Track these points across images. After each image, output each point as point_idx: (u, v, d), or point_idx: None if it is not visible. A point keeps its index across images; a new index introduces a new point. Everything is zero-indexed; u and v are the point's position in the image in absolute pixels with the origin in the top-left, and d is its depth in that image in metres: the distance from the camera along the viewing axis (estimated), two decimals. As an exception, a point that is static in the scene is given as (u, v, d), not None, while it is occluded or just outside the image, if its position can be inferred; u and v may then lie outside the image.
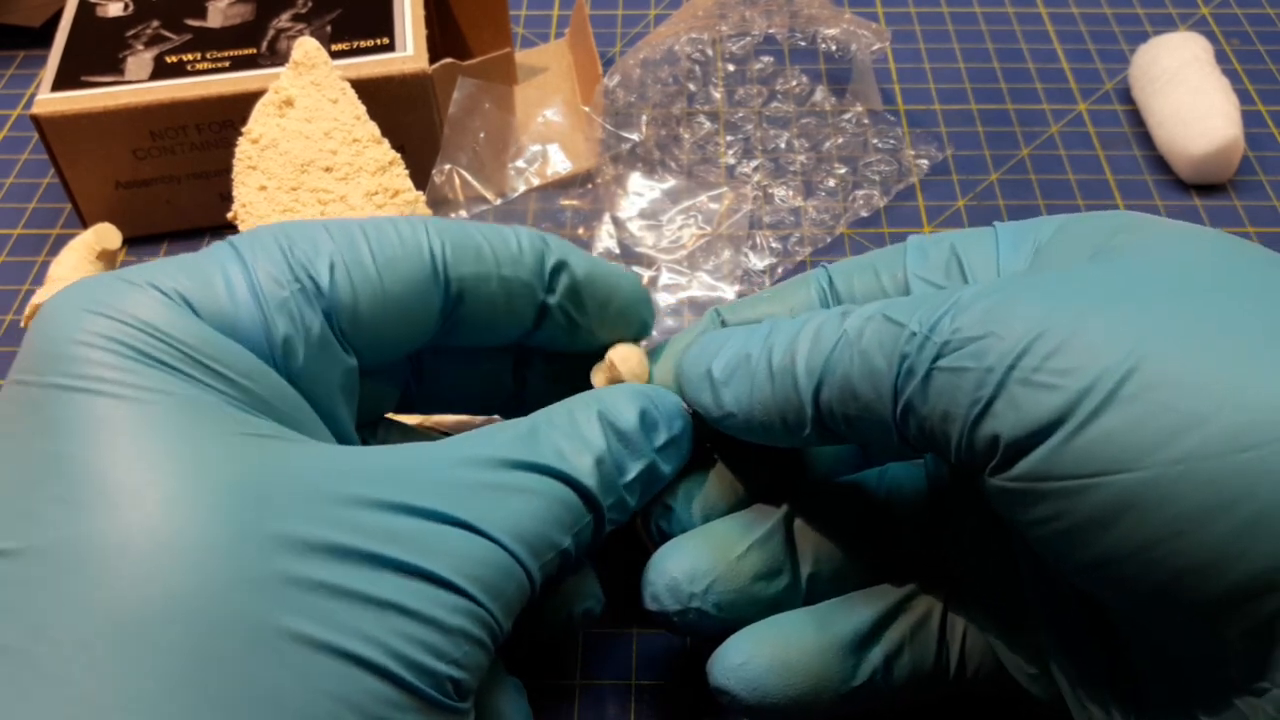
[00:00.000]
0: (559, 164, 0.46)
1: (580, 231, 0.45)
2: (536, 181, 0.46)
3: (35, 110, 0.42)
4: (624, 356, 0.30)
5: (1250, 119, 0.49)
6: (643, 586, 0.28)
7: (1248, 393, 0.19)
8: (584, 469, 0.25)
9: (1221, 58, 0.52)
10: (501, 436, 0.25)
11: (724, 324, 0.30)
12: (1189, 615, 0.20)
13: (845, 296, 0.29)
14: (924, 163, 0.48)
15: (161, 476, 0.20)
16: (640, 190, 0.45)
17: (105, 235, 0.43)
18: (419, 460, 0.23)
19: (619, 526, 0.28)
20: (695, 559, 0.27)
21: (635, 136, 0.47)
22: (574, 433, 0.26)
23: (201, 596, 0.19)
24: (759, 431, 0.27)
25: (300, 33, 0.45)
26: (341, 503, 0.21)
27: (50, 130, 0.42)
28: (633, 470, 0.26)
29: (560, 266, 0.28)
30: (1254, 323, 0.21)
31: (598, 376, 0.30)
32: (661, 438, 0.27)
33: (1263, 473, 0.19)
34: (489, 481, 0.24)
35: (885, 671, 0.27)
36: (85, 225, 0.45)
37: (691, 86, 0.52)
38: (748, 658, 0.26)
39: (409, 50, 0.44)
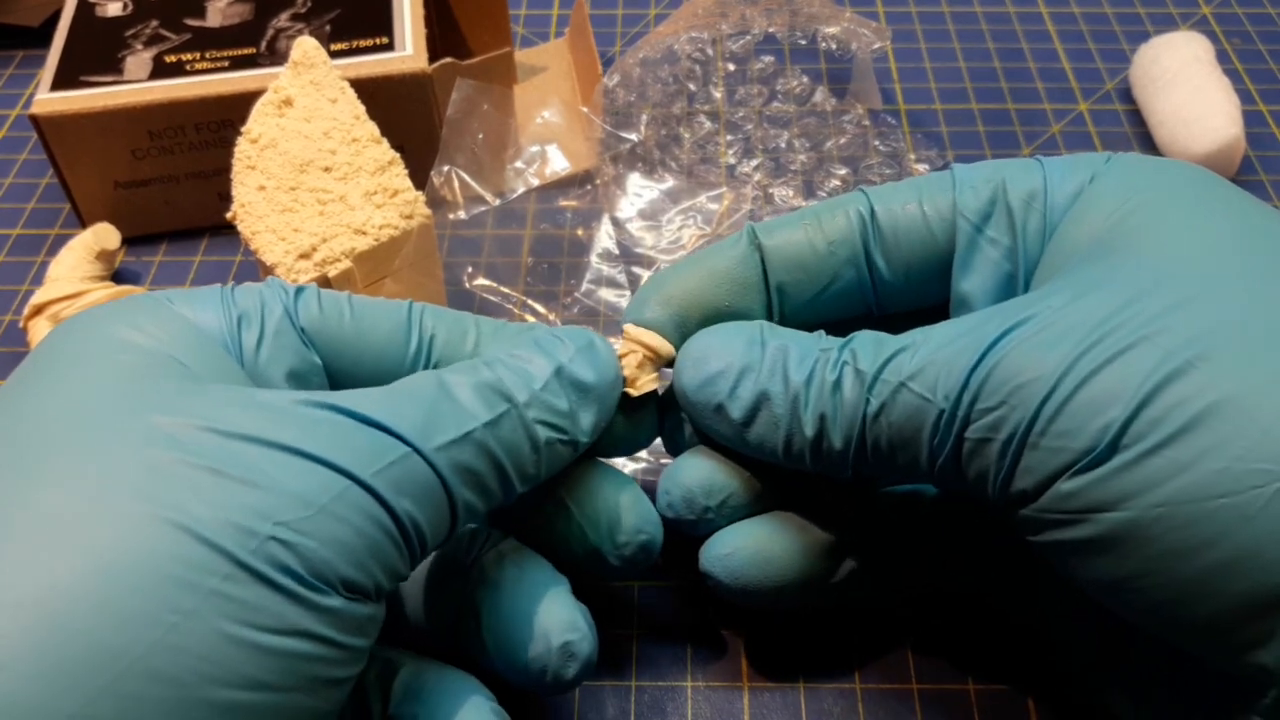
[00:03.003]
0: (558, 164, 0.46)
1: (579, 232, 0.45)
2: (535, 182, 0.46)
3: (34, 110, 0.42)
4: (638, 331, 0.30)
5: (1251, 118, 0.49)
6: (659, 494, 0.29)
7: (1229, 444, 0.21)
8: (474, 372, 0.25)
9: (1223, 57, 0.52)
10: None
11: (760, 245, 0.30)
12: (1178, 638, 0.23)
13: (887, 228, 0.29)
14: (924, 166, 0.48)
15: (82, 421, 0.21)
16: (639, 190, 0.45)
17: (104, 235, 0.43)
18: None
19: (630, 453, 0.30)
20: (711, 473, 0.29)
21: (634, 137, 0.47)
22: (462, 363, 0.26)
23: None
24: (784, 465, 0.28)
25: (299, 32, 0.45)
26: (204, 399, 0.22)
27: (49, 130, 0.42)
28: (540, 374, 0.26)
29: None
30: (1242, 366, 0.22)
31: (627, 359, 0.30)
32: (566, 349, 0.27)
33: (1237, 519, 0.20)
34: (370, 385, 0.24)
35: (863, 572, 0.30)
36: (84, 225, 0.45)
37: (692, 86, 0.52)
38: (733, 549, 0.29)
39: (408, 50, 0.44)
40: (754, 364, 0.27)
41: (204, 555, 0.19)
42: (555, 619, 0.26)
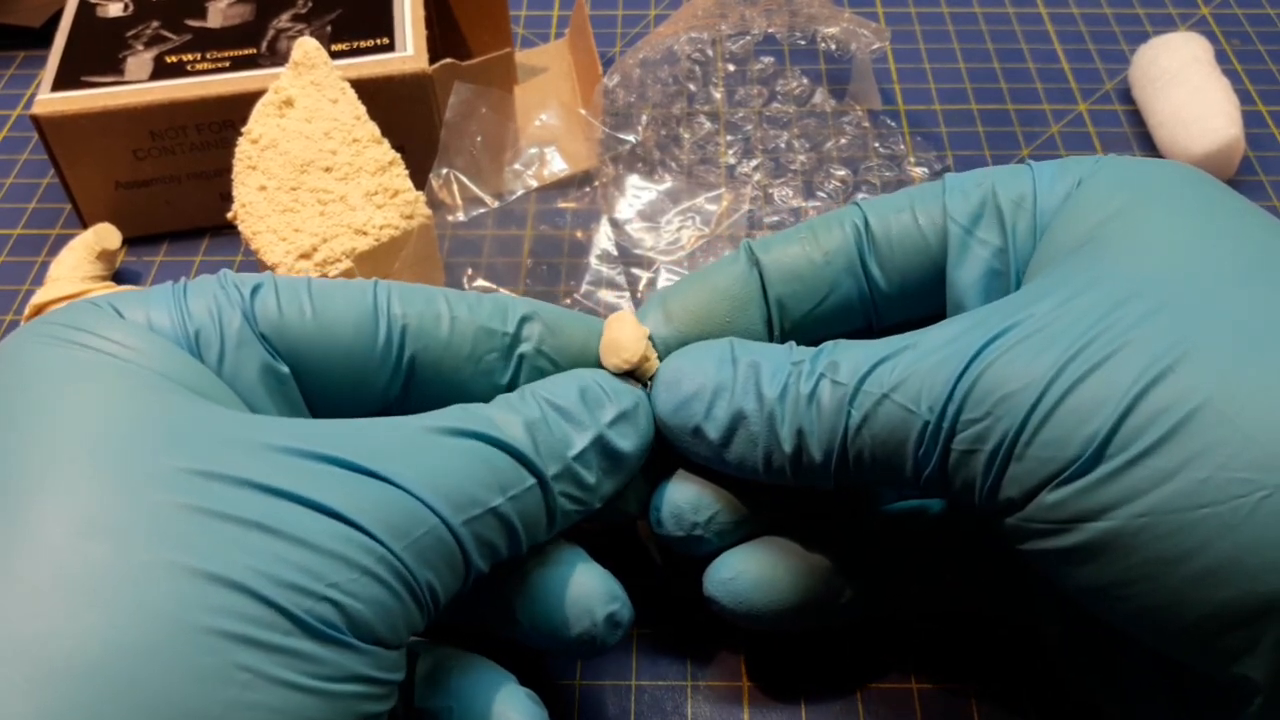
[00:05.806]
0: (557, 165, 0.46)
1: (578, 233, 0.45)
2: (534, 183, 0.46)
3: (35, 110, 0.42)
4: (618, 318, 0.29)
5: (1250, 119, 0.49)
6: (650, 511, 0.29)
7: (1212, 452, 0.21)
8: (512, 432, 0.25)
9: (1222, 58, 0.52)
10: (433, 413, 0.25)
11: (757, 261, 0.29)
12: (1164, 645, 0.23)
13: (881, 238, 0.29)
14: (922, 170, 0.48)
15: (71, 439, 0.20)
16: (638, 191, 0.45)
17: (105, 236, 0.43)
18: (339, 425, 0.23)
19: (616, 521, 0.29)
20: (698, 492, 0.29)
21: (634, 137, 0.47)
22: (505, 405, 0.26)
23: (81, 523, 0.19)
24: (766, 481, 0.28)
25: (300, 33, 0.45)
26: (231, 441, 0.21)
27: (50, 130, 0.42)
28: (579, 441, 0.26)
29: (528, 317, 0.28)
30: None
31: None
32: (609, 413, 0.27)
33: (1220, 527, 0.20)
34: (407, 441, 0.23)
35: (864, 594, 0.30)
36: (85, 225, 0.45)
37: (691, 86, 0.52)
38: (736, 574, 0.29)
39: (409, 50, 0.44)
40: (726, 383, 0.27)
41: (264, 613, 0.19)
42: (594, 592, 0.26)
